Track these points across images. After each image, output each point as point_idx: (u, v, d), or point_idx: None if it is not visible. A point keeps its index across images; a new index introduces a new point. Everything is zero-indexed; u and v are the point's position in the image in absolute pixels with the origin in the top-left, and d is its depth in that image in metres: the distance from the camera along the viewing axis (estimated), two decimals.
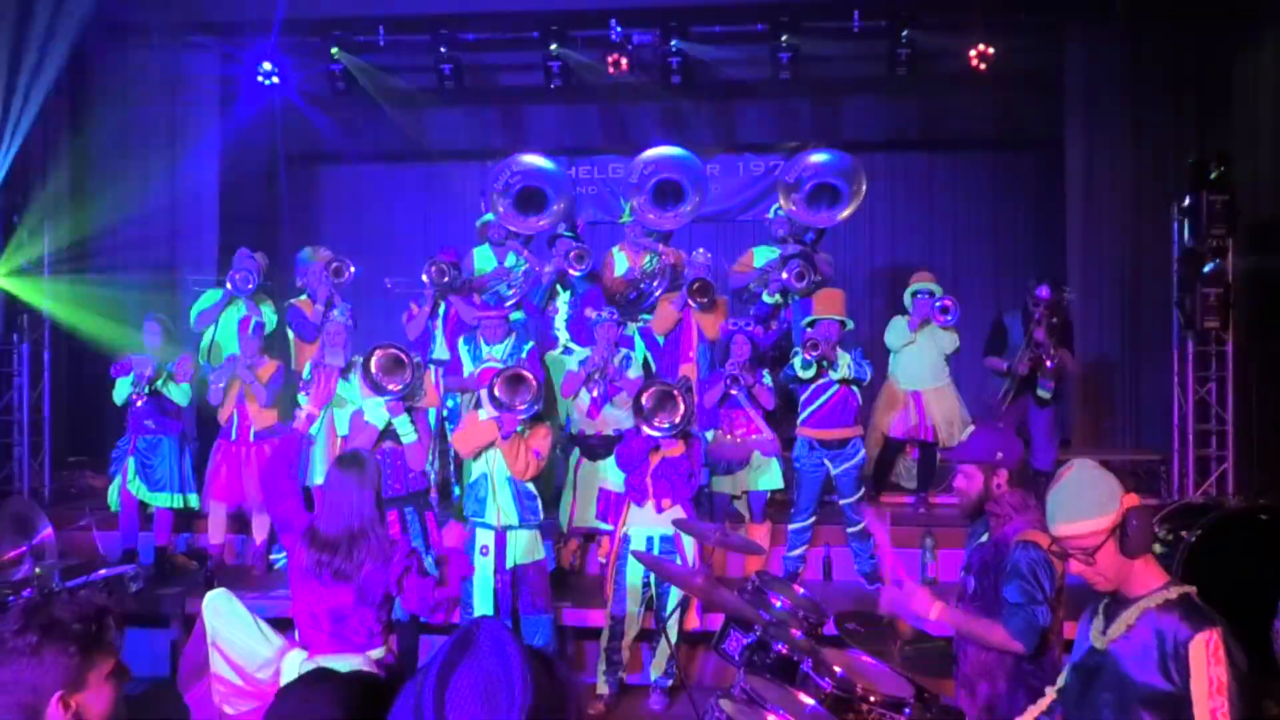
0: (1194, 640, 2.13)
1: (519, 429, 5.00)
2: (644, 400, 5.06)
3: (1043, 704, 2.51)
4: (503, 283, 6.73)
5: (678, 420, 5.00)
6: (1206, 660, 2.10)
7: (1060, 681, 2.50)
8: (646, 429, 5.01)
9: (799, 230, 7.03)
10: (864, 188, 6.89)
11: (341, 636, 3.62)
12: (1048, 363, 6.79)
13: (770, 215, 7.38)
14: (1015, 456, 3.29)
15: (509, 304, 6.62)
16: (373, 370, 5.01)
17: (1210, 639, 2.12)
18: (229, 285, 6.65)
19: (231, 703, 3.64)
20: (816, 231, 7.05)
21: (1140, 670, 2.19)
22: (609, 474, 5.72)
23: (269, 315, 6.76)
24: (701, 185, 7.02)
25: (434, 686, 1.46)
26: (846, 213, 6.90)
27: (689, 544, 5.09)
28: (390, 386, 5.02)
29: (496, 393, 4.90)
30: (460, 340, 6.38)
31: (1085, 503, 2.28)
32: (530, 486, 5.07)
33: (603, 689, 5.25)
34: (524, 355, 6.05)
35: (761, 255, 7.20)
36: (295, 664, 3.60)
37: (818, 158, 6.99)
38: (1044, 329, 6.79)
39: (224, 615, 3.71)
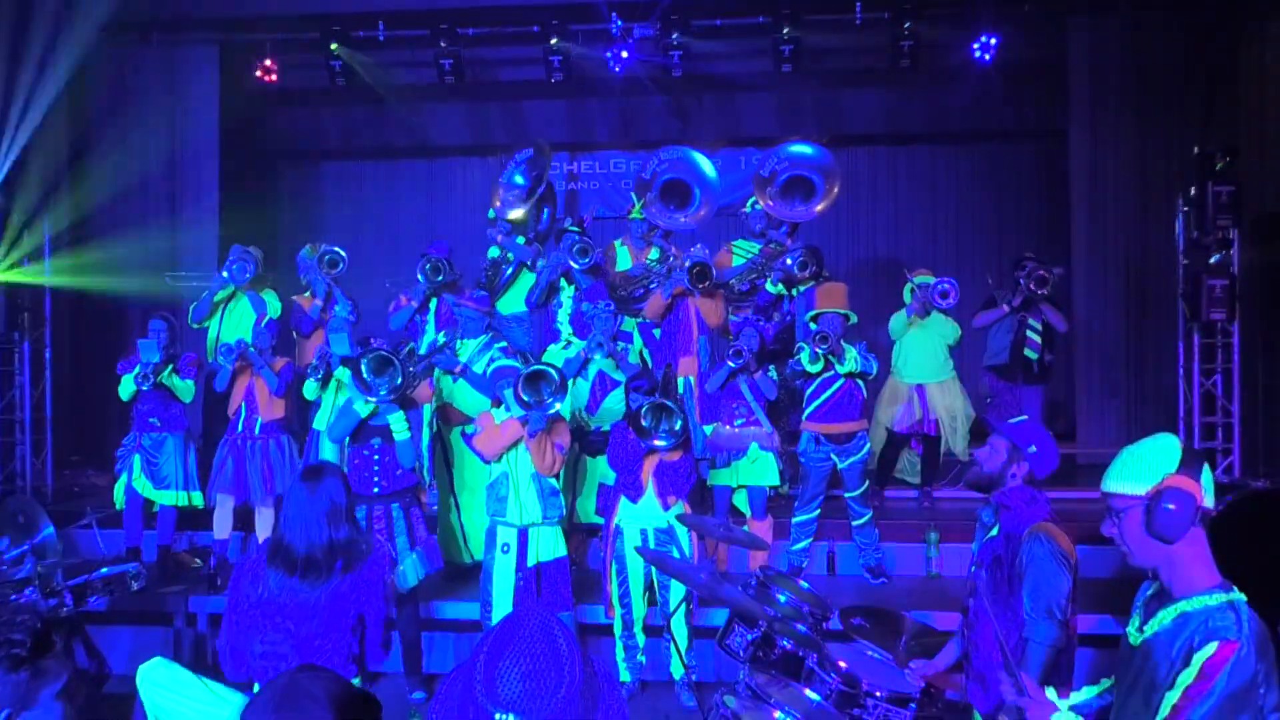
0: (1200, 649, 2.02)
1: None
2: (643, 418, 5.04)
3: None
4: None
5: (677, 429, 5.03)
6: (1198, 672, 1.99)
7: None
8: (650, 444, 5.02)
9: (773, 224, 6.96)
10: (838, 183, 6.82)
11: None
12: (1041, 290, 6.79)
13: (746, 209, 7.31)
14: (1045, 461, 3.26)
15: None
16: (364, 373, 4.96)
17: (1218, 652, 1.99)
18: (225, 275, 6.62)
19: None
20: (790, 226, 6.98)
21: (1160, 671, 2.11)
22: (607, 469, 5.69)
23: (273, 304, 6.74)
24: (710, 195, 6.91)
25: (485, 667, 1.62)
26: (821, 207, 6.83)
27: (684, 535, 5.09)
28: (380, 388, 4.94)
29: (523, 394, 4.82)
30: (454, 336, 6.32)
31: (1128, 466, 2.19)
32: (554, 483, 5.02)
33: (625, 677, 5.27)
34: (495, 352, 5.90)
35: (741, 249, 7.07)
36: None
37: (791, 150, 6.91)
38: (1033, 280, 6.81)
39: (164, 688, 3.25)
